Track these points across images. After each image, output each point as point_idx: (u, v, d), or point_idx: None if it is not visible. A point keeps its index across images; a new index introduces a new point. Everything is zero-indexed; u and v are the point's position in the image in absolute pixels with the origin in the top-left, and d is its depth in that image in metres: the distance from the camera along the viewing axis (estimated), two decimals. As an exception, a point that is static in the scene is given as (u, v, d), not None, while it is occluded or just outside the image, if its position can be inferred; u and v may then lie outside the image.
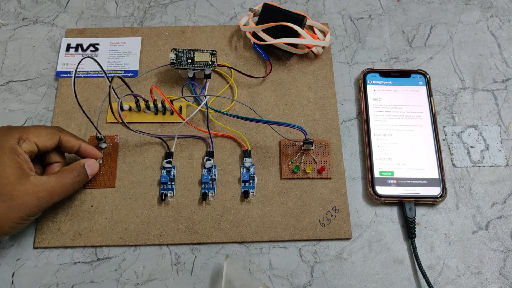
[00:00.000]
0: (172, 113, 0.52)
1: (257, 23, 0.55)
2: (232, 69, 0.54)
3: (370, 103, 0.52)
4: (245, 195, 0.48)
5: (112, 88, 0.43)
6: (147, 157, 0.50)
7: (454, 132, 0.52)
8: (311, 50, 0.55)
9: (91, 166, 0.46)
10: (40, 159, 0.45)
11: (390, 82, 0.54)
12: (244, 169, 0.49)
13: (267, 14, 0.54)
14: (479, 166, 0.51)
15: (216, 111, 0.49)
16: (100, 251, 0.46)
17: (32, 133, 0.42)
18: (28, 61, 0.55)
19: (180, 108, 0.52)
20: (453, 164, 0.51)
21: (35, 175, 0.41)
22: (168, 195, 0.48)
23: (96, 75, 0.54)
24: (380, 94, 0.53)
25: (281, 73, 0.55)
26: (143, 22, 0.58)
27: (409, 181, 0.48)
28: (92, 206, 0.48)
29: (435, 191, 0.48)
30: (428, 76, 0.54)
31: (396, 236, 0.47)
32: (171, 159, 0.49)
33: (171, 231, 0.47)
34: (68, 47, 0.56)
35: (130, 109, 0.52)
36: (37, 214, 0.42)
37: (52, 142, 0.43)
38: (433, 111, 0.52)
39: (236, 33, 0.57)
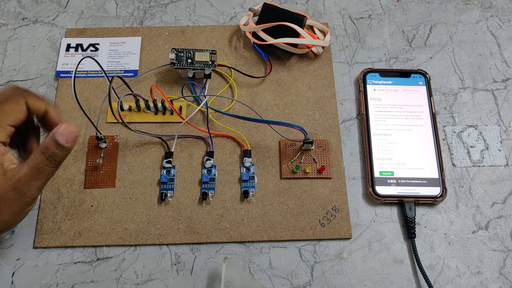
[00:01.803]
0: (172, 113, 0.52)
1: (257, 23, 0.55)
2: (232, 69, 0.54)
3: (370, 103, 0.52)
4: (245, 195, 0.48)
5: (112, 88, 0.43)
6: (147, 157, 0.50)
7: (454, 132, 0.52)
8: (311, 50, 0.55)
9: (64, 133, 0.36)
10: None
11: (390, 82, 0.54)
12: (244, 169, 0.49)
13: (267, 14, 0.54)
14: (479, 166, 0.51)
15: (216, 111, 0.49)
16: (100, 251, 0.46)
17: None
18: (28, 61, 0.55)
19: (180, 108, 0.52)
20: (453, 164, 0.51)
21: (13, 167, 0.36)
22: (168, 195, 0.48)
23: (96, 75, 0.54)
24: (380, 94, 0.53)
25: (281, 73, 0.55)
26: (143, 22, 0.58)
27: (409, 181, 0.48)
28: (92, 206, 0.48)
29: (435, 191, 0.48)
30: (428, 76, 0.54)
31: (396, 236, 0.47)
32: (171, 159, 0.49)
33: (171, 231, 0.47)
34: (68, 47, 0.56)
35: (130, 109, 0.52)
36: (33, 201, 0.38)
37: (23, 114, 0.38)
38: (433, 111, 0.52)
39: (236, 33, 0.57)
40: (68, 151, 0.37)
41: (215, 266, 0.46)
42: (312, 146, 0.50)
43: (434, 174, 0.49)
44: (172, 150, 0.50)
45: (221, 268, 0.42)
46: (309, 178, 0.49)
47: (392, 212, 0.48)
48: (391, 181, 0.49)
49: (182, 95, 0.53)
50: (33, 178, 0.36)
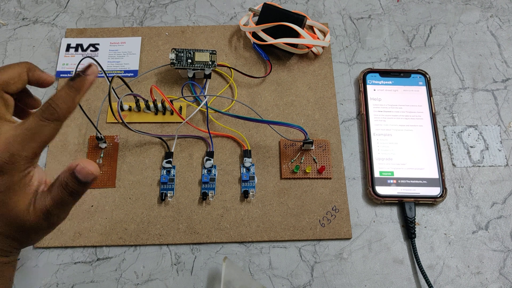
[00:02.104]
0: (172, 113, 0.52)
1: (257, 23, 0.55)
2: (232, 69, 0.54)
3: (370, 103, 0.52)
4: (245, 195, 0.48)
5: (112, 88, 0.43)
6: (147, 157, 0.50)
7: (454, 132, 0.52)
8: (311, 50, 0.55)
9: (81, 171, 0.32)
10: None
11: (390, 82, 0.54)
12: (244, 169, 0.49)
13: (267, 14, 0.54)
14: (479, 166, 0.51)
15: (216, 111, 0.49)
16: (100, 251, 0.46)
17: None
18: (28, 61, 0.55)
19: (180, 108, 0.52)
20: (453, 164, 0.51)
21: (43, 190, 0.34)
22: (168, 195, 0.48)
23: (96, 75, 0.54)
24: (380, 94, 0.53)
25: (281, 73, 0.55)
26: (143, 22, 0.58)
27: (409, 181, 0.48)
28: (92, 206, 0.48)
29: (435, 191, 0.48)
30: (428, 76, 0.54)
31: (396, 236, 0.47)
32: (171, 159, 0.49)
33: (171, 231, 0.47)
34: (68, 47, 0.56)
35: (130, 109, 0.52)
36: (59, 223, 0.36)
37: (52, 130, 0.32)
38: (433, 111, 0.52)
39: (236, 33, 0.57)
40: (88, 186, 0.33)
41: (215, 266, 0.46)
42: (312, 146, 0.50)
43: (434, 174, 0.49)
44: (172, 150, 0.50)
45: (221, 268, 0.42)
46: (309, 178, 0.49)
47: (392, 212, 0.48)
48: (391, 181, 0.49)
49: (182, 95, 0.53)
50: (58, 209, 0.34)
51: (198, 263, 0.46)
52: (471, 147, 0.51)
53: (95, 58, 0.47)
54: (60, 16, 0.59)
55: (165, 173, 0.49)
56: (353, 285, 0.45)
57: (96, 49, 0.56)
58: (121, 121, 0.44)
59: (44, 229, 0.35)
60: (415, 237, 0.46)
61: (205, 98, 0.50)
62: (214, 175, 0.49)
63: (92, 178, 0.33)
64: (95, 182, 0.48)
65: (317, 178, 0.49)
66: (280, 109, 0.53)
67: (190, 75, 0.52)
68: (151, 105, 0.51)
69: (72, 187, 0.33)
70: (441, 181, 0.48)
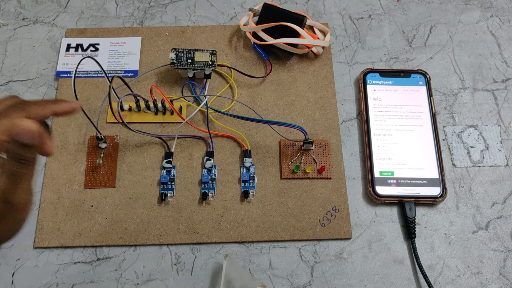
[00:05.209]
0: (172, 113, 0.52)
1: (257, 23, 0.55)
2: (232, 69, 0.54)
3: (370, 103, 0.52)
4: (245, 195, 0.48)
5: (112, 88, 0.43)
6: (147, 157, 0.50)
7: (454, 132, 0.52)
8: (311, 50, 0.55)
9: (21, 133, 0.31)
10: None
11: (390, 82, 0.54)
12: (244, 169, 0.49)
13: (267, 14, 0.54)
14: (479, 166, 0.51)
15: (216, 111, 0.49)
16: (100, 251, 0.46)
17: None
18: (28, 61, 0.55)
19: (180, 108, 0.52)
20: (453, 164, 0.51)
21: None
22: (168, 195, 0.48)
23: (96, 75, 0.54)
24: (380, 94, 0.53)
25: (281, 73, 0.55)
26: (143, 22, 0.58)
27: (409, 181, 0.48)
28: (92, 206, 0.48)
29: (435, 191, 0.48)
30: (428, 76, 0.54)
31: (396, 236, 0.47)
32: (171, 159, 0.49)
33: (171, 231, 0.47)
34: (68, 47, 0.56)
35: (130, 109, 0.52)
36: (26, 206, 0.35)
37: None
38: (433, 111, 0.52)
39: (236, 33, 0.57)
40: (34, 147, 0.32)
41: (215, 266, 0.46)
42: (312, 146, 0.50)
43: (434, 174, 0.49)
44: (172, 150, 0.50)
45: (222, 267, 0.42)
46: (309, 178, 0.49)
47: (392, 212, 0.48)
48: (391, 181, 0.49)
49: (182, 95, 0.53)
50: (13, 185, 0.33)
51: (198, 263, 0.46)
52: (471, 147, 0.51)
53: (95, 58, 0.47)
54: (60, 16, 0.59)
55: (165, 173, 0.49)
56: (353, 285, 0.45)
57: (96, 49, 0.56)
58: (121, 121, 0.44)
59: (6, 213, 0.33)
60: (415, 237, 0.46)
61: (205, 98, 0.50)
62: (214, 175, 0.49)
63: (33, 135, 0.31)
64: (95, 182, 0.48)
65: (317, 178, 0.49)
66: (280, 109, 0.53)
67: (190, 75, 0.52)
68: (151, 105, 0.51)
69: (16, 151, 0.31)
70: (441, 181, 0.48)
